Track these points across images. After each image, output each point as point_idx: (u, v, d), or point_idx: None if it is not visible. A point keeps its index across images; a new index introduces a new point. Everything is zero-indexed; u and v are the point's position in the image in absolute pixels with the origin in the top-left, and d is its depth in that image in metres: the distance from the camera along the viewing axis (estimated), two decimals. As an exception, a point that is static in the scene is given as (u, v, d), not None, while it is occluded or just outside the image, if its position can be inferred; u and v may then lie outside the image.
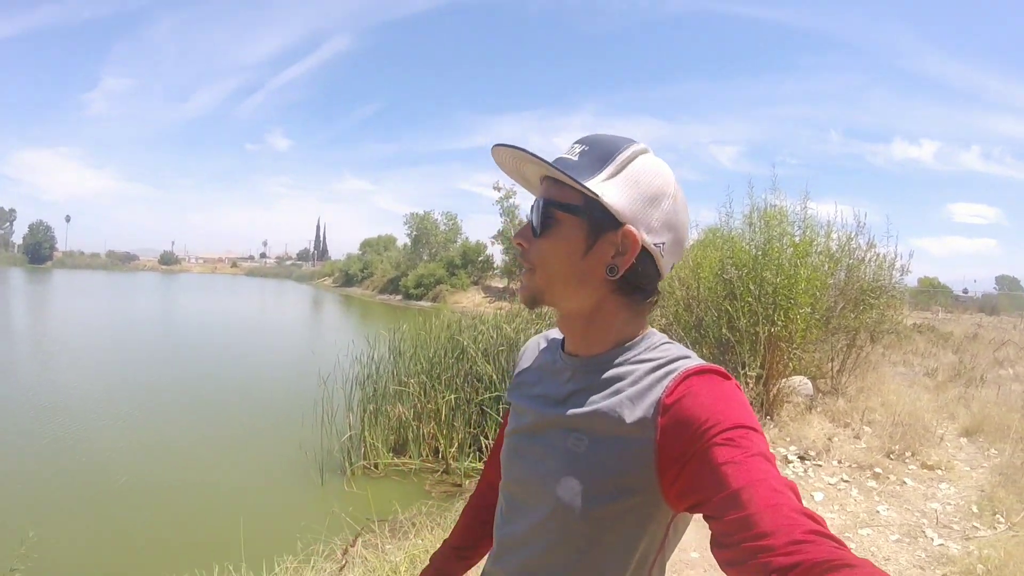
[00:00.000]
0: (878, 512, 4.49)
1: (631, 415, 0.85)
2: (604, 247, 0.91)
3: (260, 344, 21.17)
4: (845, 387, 7.57)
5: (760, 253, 6.90)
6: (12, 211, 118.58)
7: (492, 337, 8.66)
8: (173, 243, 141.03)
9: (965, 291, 48.66)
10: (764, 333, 6.44)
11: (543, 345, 1.12)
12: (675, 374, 0.85)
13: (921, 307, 28.62)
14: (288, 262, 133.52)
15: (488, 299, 40.14)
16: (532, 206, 0.94)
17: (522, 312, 10.78)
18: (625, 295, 0.94)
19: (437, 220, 57.99)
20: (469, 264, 49.79)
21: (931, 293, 35.80)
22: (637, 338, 0.95)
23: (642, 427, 0.83)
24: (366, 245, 70.88)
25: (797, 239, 6.92)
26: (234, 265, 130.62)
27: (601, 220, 0.90)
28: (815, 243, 7.21)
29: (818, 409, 6.73)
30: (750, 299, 6.68)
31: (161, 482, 7.47)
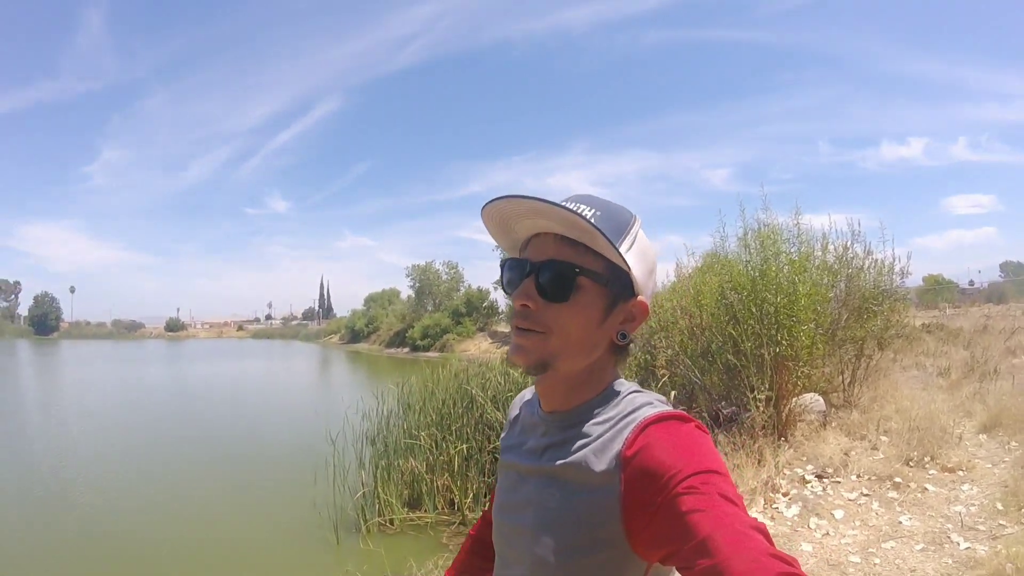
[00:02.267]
0: (901, 523, 4.39)
1: (596, 468, 0.86)
2: (618, 315, 0.93)
3: (270, 405, 21.12)
4: (858, 399, 7.46)
5: (758, 274, 6.87)
6: (17, 283, 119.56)
7: (500, 383, 8.62)
8: (178, 309, 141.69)
9: (971, 283, 48.61)
10: (769, 354, 6.36)
11: (527, 397, 1.13)
12: (633, 425, 0.86)
13: (928, 306, 28.61)
14: (294, 322, 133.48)
15: (495, 344, 40.03)
16: (536, 265, 0.92)
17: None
18: (616, 354, 0.97)
19: (439, 270, 58.58)
20: (474, 311, 49.89)
21: (937, 290, 35.71)
22: (605, 389, 0.95)
23: (607, 480, 0.84)
24: (370, 300, 71.15)
25: (794, 256, 6.92)
26: (240, 328, 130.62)
27: (621, 290, 0.92)
28: (811, 257, 7.21)
29: (833, 424, 6.62)
30: (752, 321, 6.65)
31: (176, 544, 7.43)
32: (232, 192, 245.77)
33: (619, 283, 0.92)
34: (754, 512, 4.72)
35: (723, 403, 7.11)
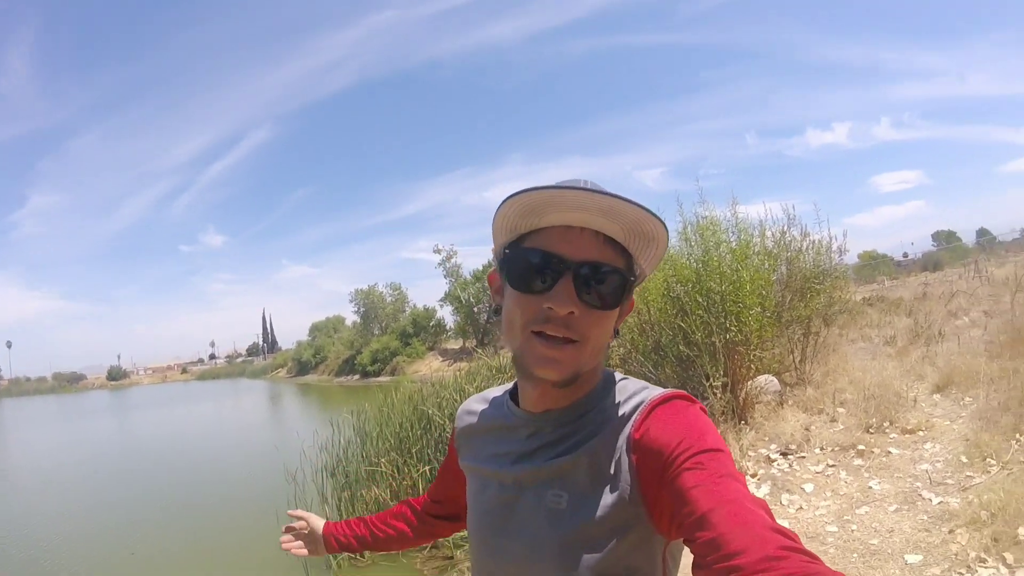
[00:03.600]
0: (871, 488, 4.50)
1: (607, 457, 0.85)
2: (624, 310, 0.91)
3: (224, 448, 20.54)
4: (811, 375, 7.67)
5: (700, 266, 7.00)
6: None
7: (456, 400, 8.54)
8: (119, 356, 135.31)
9: (905, 255, 50.86)
10: (720, 341, 6.49)
11: (483, 407, 1.09)
12: (640, 409, 0.85)
13: (867, 280, 29.79)
14: (239, 359, 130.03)
15: (446, 362, 39.73)
16: (578, 266, 0.83)
17: (480, 370, 10.79)
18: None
19: (383, 292, 57.87)
20: (422, 331, 49.42)
21: (873, 265, 37.23)
22: (598, 381, 0.93)
23: (619, 468, 0.83)
24: (315, 329, 70.11)
25: (734, 245, 7.09)
26: (184, 371, 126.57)
27: (630, 282, 0.88)
28: (751, 245, 7.39)
29: (789, 403, 6.79)
30: (700, 312, 6.76)
31: None
32: (167, 231, 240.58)
33: (631, 281, 0.88)
34: None
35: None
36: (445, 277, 44.53)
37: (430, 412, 8.34)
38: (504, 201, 0.85)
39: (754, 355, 6.71)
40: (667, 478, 0.77)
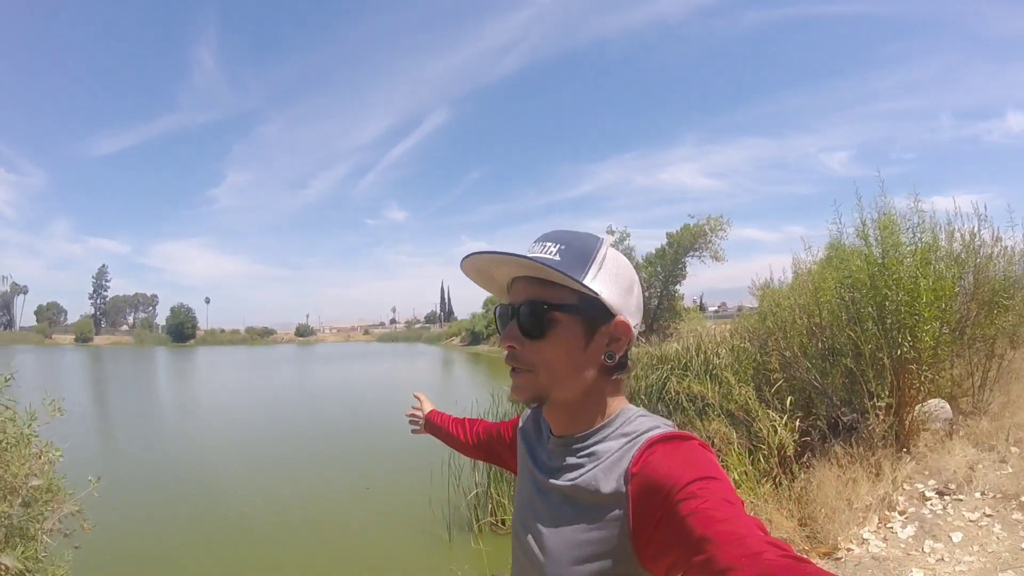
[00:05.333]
0: (1023, 550, 3.95)
1: (606, 487, 0.92)
2: (600, 339, 0.99)
3: (393, 405, 21.92)
4: (988, 404, 6.60)
5: (876, 269, 6.29)
6: (154, 296, 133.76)
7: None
8: (307, 315, 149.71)
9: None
10: (889, 358, 5.88)
11: (539, 415, 1.20)
12: (640, 444, 0.92)
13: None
14: (417, 325, 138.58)
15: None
16: (515, 308, 1.00)
17: (641, 357, 10.69)
18: (611, 375, 1.02)
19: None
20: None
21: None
22: (614, 415, 1.01)
23: (615, 497, 0.90)
24: (490, 303, 71.99)
25: (915, 247, 6.27)
26: (366, 332, 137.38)
27: (597, 315, 0.98)
28: (935, 247, 6.52)
29: (960, 433, 5.94)
30: (870, 323, 6.17)
31: (294, 532, 7.97)
32: (352, 206, 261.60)
33: (593, 309, 0.97)
34: (867, 532, 4.43)
35: (844, 409, 6.62)
36: (619, 257, 43.91)
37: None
38: (462, 267, 1.05)
39: (926, 376, 5.95)
40: (663, 514, 0.81)
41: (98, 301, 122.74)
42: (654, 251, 42.23)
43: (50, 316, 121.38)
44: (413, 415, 2.01)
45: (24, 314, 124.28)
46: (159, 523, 8.63)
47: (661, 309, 41.55)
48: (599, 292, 0.96)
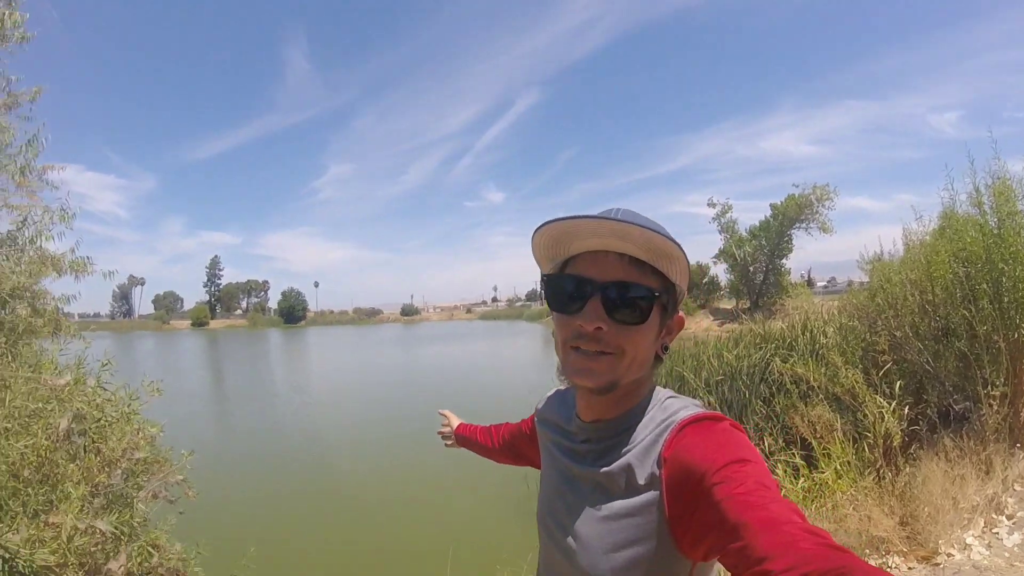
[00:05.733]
0: None
1: (640, 473, 0.91)
2: (665, 331, 1.01)
3: (494, 381, 22.33)
4: None
5: (992, 241, 5.75)
6: (266, 282, 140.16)
7: (713, 366, 8.40)
8: (412, 296, 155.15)
9: None
10: (1005, 341, 5.36)
11: (559, 400, 1.22)
12: (671, 428, 0.92)
13: None
14: (518, 303, 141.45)
15: (717, 322, 38.47)
16: (603, 286, 0.93)
17: (745, 336, 10.40)
18: (656, 364, 1.02)
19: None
20: (693, 287, 48.27)
21: None
22: (643, 398, 1.01)
23: (649, 483, 0.90)
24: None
25: None
26: (469, 311, 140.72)
27: (671, 306, 0.99)
28: None
29: None
30: (986, 301, 5.66)
31: (390, 505, 8.34)
32: (450, 190, 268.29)
33: (671, 301, 0.98)
34: (970, 537, 4.06)
35: (957, 396, 6.14)
36: (720, 232, 42.64)
37: (685, 374, 8.29)
38: (534, 235, 0.97)
39: None
40: (698, 498, 0.81)
41: (212, 288, 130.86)
42: (758, 223, 40.55)
43: (167, 304, 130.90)
44: (443, 432, 2.02)
45: (143, 304, 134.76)
46: (261, 492, 9.18)
47: (767, 284, 40.15)
48: (677, 283, 0.97)
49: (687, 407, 0.95)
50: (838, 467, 5.45)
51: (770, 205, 40.17)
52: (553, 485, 1.09)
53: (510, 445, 1.62)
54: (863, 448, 5.72)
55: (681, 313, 0.99)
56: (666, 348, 0.99)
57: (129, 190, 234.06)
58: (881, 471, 5.42)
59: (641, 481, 0.90)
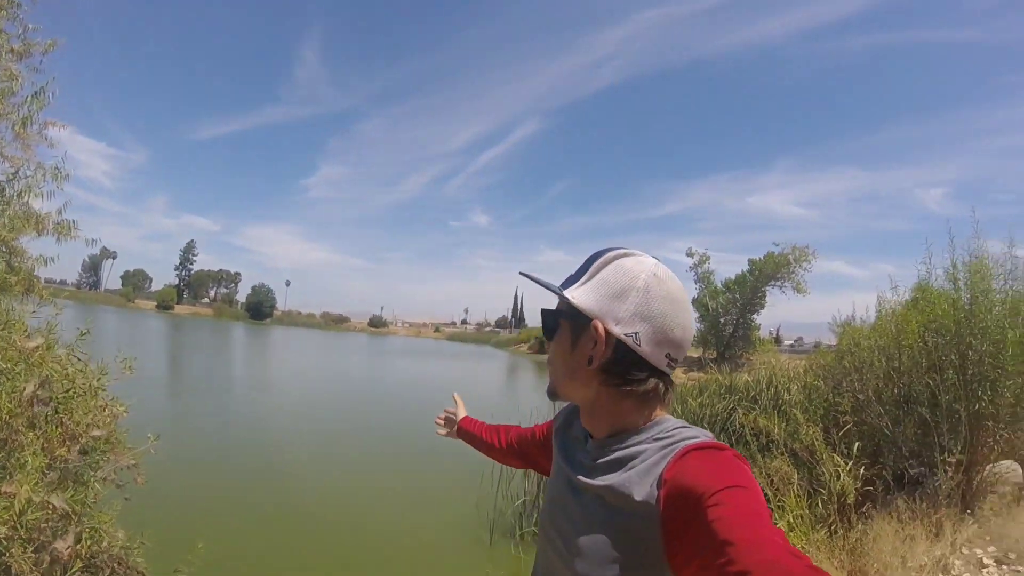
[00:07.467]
0: None
1: (639, 490, 0.93)
2: (585, 343, 1.05)
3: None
4: None
5: (963, 315, 5.96)
6: (238, 274, 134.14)
7: (677, 412, 8.46)
8: (382, 308, 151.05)
9: None
10: (966, 410, 5.56)
11: (575, 415, 1.24)
12: (675, 451, 0.94)
13: None
14: (487, 328, 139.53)
15: (682, 368, 38.54)
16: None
17: (709, 385, 10.55)
18: (615, 385, 1.04)
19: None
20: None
21: None
22: (651, 423, 1.03)
23: (648, 501, 0.91)
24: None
25: (1006, 294, 5.93)
26: (437, 330, 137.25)
27: (577, 319, 1.06)
28: None
29: None
30: (951, 371, 5.85)
31: (338, 518, 8.19)
32: (438, 207, 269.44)
33: (572, 314, 1.06)
34: None
35: (912, 461, 6.28)
36: (696, 282, 42.98)
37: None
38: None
39: (1002, 434, 5.60)
40: (692, 517, 0.83)
41: (183, 273, 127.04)
42: (734, 277, 41.07)
43: (135, 282, 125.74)
44: (448, 416, 2.04)
45: (111, 278, 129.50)
46: (213, 488, 9.00)
47: (736, 337, 40.52)
48: (573, 298, 1.05)
49: (695, 435, 0.98)
50: (791, 519, 5.51)
51: (748, 260, 40.80)
52: (558, 493, 1.13)
53: (519, 448, 1.69)
54: (817, 503, 5.81)
55: (596, 322, 1.01)
56: (590, 360, 1.02)
57: (118, 160, 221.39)
58: (834, 526, 5.52)
59: (640, 498, 0.92)
